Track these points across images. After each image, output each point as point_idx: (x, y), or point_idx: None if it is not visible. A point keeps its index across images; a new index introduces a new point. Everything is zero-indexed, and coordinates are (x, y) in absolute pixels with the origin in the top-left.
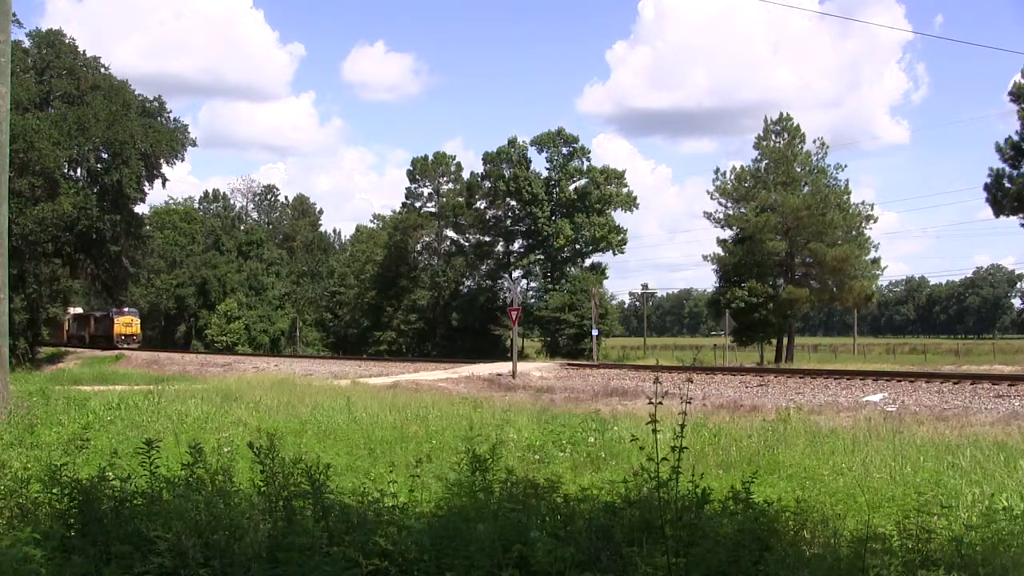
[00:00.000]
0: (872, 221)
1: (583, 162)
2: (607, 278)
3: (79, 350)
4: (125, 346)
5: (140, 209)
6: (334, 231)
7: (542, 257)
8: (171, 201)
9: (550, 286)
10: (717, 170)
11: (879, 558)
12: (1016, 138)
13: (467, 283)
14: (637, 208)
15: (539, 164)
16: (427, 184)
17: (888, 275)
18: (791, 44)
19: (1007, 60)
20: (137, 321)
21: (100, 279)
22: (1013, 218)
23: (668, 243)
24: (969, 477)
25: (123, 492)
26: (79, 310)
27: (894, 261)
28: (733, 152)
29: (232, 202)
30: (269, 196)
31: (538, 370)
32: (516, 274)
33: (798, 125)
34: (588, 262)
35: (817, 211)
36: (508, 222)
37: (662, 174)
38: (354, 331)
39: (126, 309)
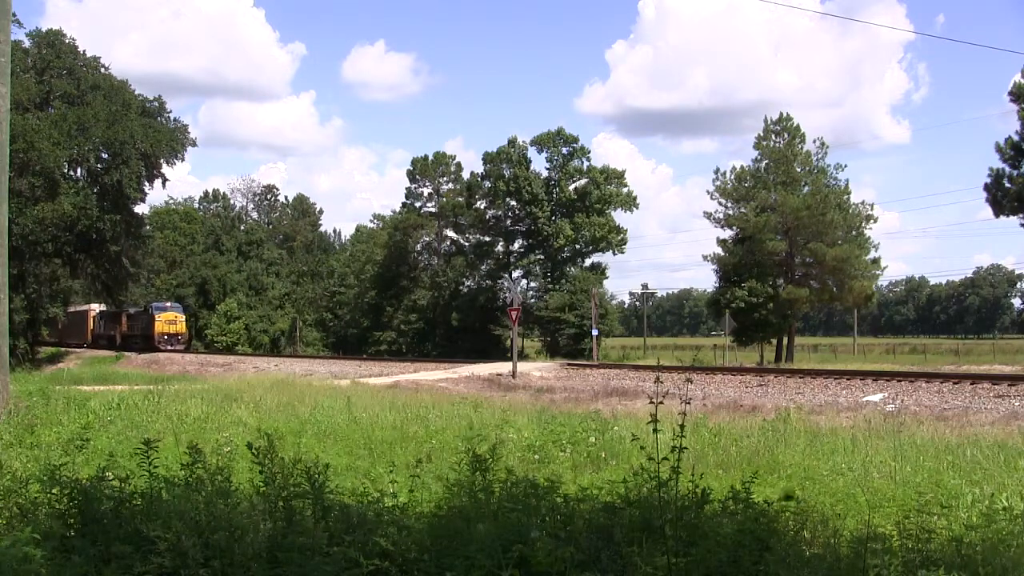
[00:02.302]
0: (872, 221)
1: (583, 162)
2: (607, 278)
3: (79, 350)
4: (168, 347)
5: (140, 209)
6: (334, 231)
7: (542, 257)
8: (171, 201)
9: (550, 286)
10: (717, 170)
11: (879, 558)
12: (1016, 138)
13: (467, 283)
14: (637, 208)
15: (539, 164)
16: (427, 184)
17: (888, 275)
18: (792, 44)
19: (1007, 60)
20: (182, 318)
21: (100, 279)
22: (1013, 218)
23: (668, 243)
24: (969, 477)
25: (123, 492)
26: (103, 306)
27: (894, 261)
28: (733, 152)
29: (232, 202)
30: (269, 196)
31: (538, 370)
32: (516, 274)
33: (798, 125)
34: (588, 262)
35: (817, 211)
36: (508, 222)
37: (662, 174)
38: (354, 331)
39: (168, 304)
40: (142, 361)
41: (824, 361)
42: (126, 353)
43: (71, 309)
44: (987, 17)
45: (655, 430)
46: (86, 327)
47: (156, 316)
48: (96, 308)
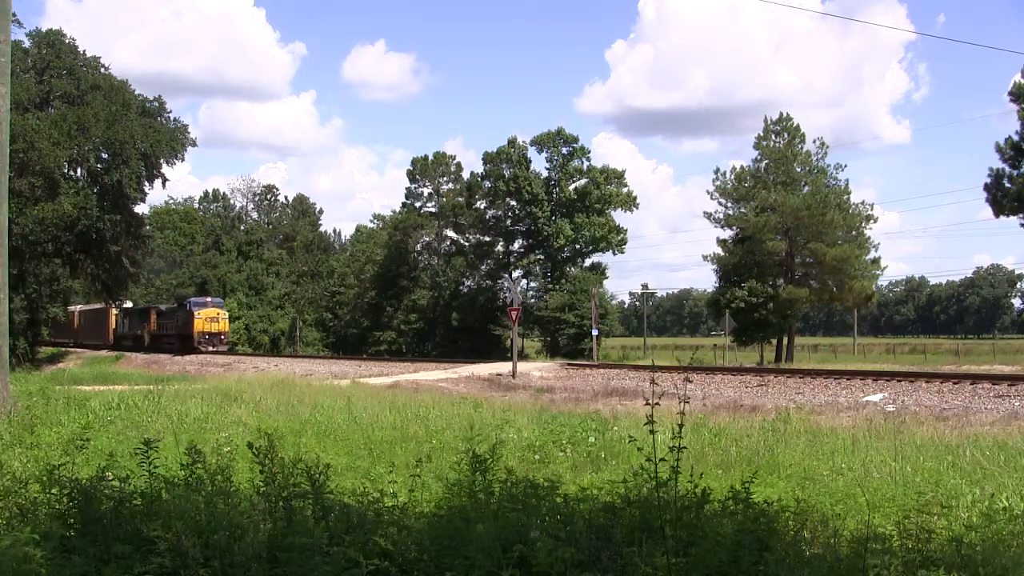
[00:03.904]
0: (872, 221)
1: (583, 162)
2: (607, 278)
3: (80, 350)
4: (210, 348)
5: (140, 209)
6: (334, 231)
7: (542, 257)
8: (171, 201)
9: (550, 286)
10: (717, 170)
11: (879, 558)
12: (1016, 138)
13: (467, 283)
14: (637, 208)
15: (539, 164)
16: (427, 184)
17: (888, 275)
18: (792, 44)
19: (1007, 60)
20: (225, 315)
21: (100, 279)
22: (1013, 218)
23: (668, 243)
24: (969, 477)
25: (123, 492)
26: (128, 303)
27: (894, 261)
28: (733, 152)
29: (232, 202)
30: (269, 196)
31: (538, 370)
32: (516, 274)
33: (798, 125)
34: (588, 262)
35: (817, 211)
36: (508, 222)
37: (663, 174)
38: (354, 331)
39: (209, 299)
40: (142, 361)
41: (824, 361)
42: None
43: (89, 307)
44: (987, 17)
45: (652, 431)
46: (107, 327)
47: (195, 313)
48: (120, 305)
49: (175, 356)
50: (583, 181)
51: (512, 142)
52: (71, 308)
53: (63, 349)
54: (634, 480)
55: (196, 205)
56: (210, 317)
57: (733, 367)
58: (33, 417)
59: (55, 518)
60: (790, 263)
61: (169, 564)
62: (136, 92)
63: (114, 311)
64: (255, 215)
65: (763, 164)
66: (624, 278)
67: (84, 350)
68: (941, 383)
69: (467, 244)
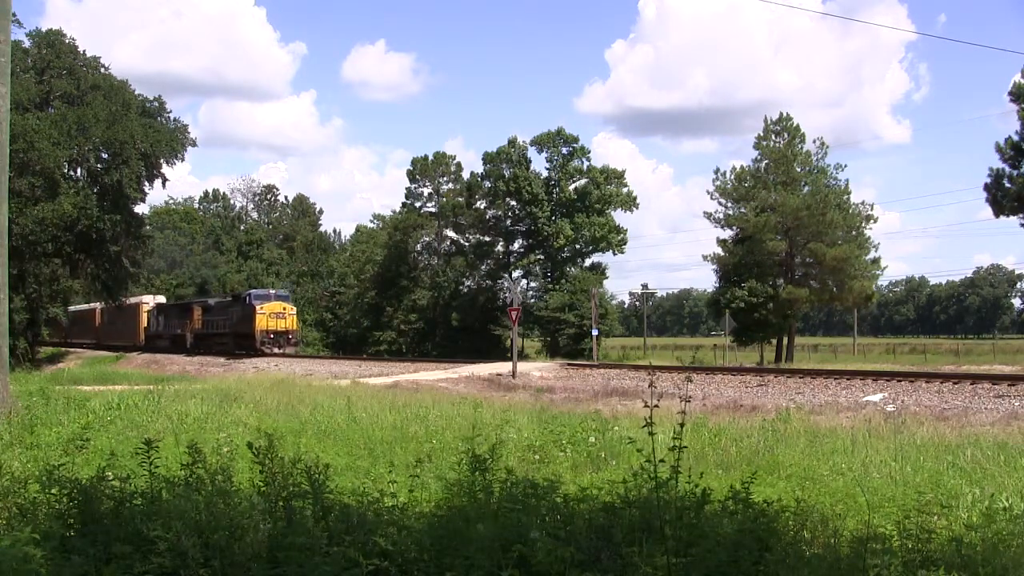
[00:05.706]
0: (872, 221)
1: (583, 162)
2: (607, 278)
3: (80, 350)
4: (276, 350)
5: (140, 209)
6: (334, 231)
7: (542, 257)
8: (171, 201)
9: (550, 286)
10: (717, 170)
11: (879, 558)
12: (1016, 138)
13: (467, 283)
14: (637, 208)
15: (539, 164)
16: (427, 184)
17: (888, 275)
18: (792, 44)
19: (1007, 60)
20: (293, 310)
21: (100, 279)
22: (1013, 218)
23: (668, 243)
24: (969, 477)
25: (123, 492)
26: (161, 298)
27: (894, 261)
28: (733, 152)
29: (232, 202)
30: (269, 196)
31: (538, 370)
32: (516, 274)
33: (798, 125)
34: (588, 262)
35: (817, 211)
36: (508, 222)
37: (662, 174)
38: (354, 331)
39: (272, 292)
40: (142, 361)
41: (824, 361)
42: (126, 353)
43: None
44: (987, 17)
45: (651, 433)
46: (136, 325)
47: (257, 308)
48: (151, 301)
49: (230, 359)
50: (583, 181)
51: (512, 142)
52: (92, 305)
53: (61, 349)
54: (634, 480)
55: (196, 205)
56: (275, 313)
57: (733, 367)
58: (33, 417)
59: (55, 518)
60: (790, 263)
61: (169, 564)
62: (136, 92)
63: (145, 307)
64: (255, 215)
65: (763, 164)
66: (624, 278)
67: (80, 350)
68: (941, 383)
69: (467, 244)
